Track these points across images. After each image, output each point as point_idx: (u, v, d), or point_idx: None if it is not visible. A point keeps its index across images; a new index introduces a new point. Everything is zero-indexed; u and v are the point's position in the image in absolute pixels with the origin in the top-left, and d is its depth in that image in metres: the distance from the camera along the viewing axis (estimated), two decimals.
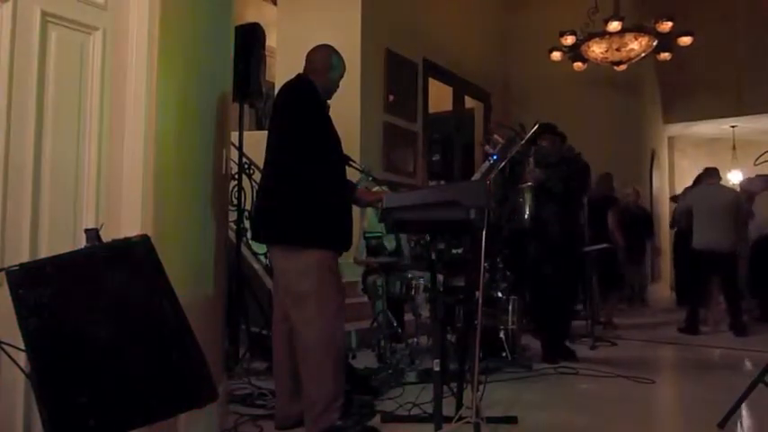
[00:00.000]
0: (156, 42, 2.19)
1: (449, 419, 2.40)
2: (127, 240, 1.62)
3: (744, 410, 2.71)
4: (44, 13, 1.95)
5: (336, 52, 2.88)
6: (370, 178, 3.49)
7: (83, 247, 1.65)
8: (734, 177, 10.88)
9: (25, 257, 1.83)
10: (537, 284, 4.64)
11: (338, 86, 2.90)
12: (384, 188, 3.28)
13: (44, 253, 1.88)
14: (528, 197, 4.39)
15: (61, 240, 1.93)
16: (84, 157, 2.06)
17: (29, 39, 1.92)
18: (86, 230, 1.66)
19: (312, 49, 2.87)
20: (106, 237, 1.66)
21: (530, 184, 4.40)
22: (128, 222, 2.09)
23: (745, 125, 10.63)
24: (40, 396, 1.44)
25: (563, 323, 4.59)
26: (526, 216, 4.41)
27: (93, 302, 1.50)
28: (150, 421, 1.58)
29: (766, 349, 3.17)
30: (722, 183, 7.40)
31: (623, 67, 7.06)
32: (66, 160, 2.02)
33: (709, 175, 6.23)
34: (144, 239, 1.62)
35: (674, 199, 8.34)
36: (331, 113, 2.78)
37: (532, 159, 4.43)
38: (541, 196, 4.38)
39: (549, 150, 4.49)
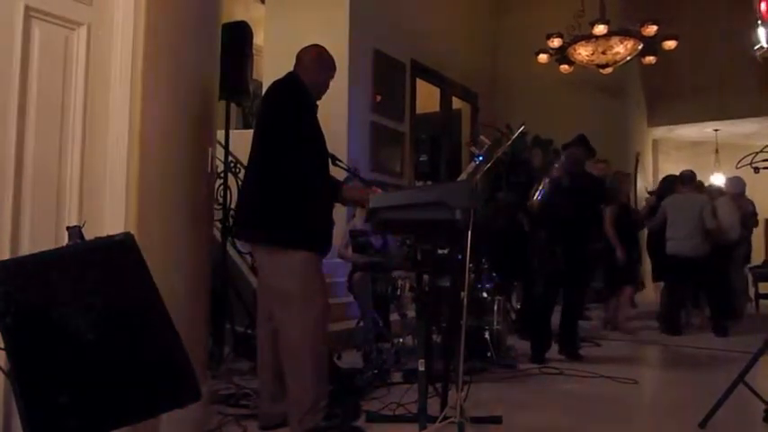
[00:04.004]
0: (142, 39, 2.18)
1: (433, 419, 2.40)
2: (110, 238, 1.61)
3: (724, 410, 2.74)
4: (27, 8, 1.93)
5: (327, 52, 2.87)
6: (357, 177, 3.48)
7: (65, 244, 1.64)
8: (716, 180, 11.03)
9: (6, 255, 1.81)
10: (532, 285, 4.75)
11: (327, 87, 2.89)
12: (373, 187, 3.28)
13: (25, 250, 1.86)
14: (545, 185, 4.57)
15: (43, 238, 1.91)
16: (67, 155, 2.04)
17: (11, 34, 1.90)
18: (69, 228, 1.65)
19: (302, 49, 2.86)
20: (89, 235, 1.64)
21: (548, 179, 4.57)
22: (111, 220, 2.08)
23: (728, 129, 10.78)
24: (19, 395, 1.42)
25: (571, 323, 4.66)
26: (537, 198, 4.58)
27: (74, 301, 1.48)
28: (132, 421, 1.56)
29: (746, 350, 3.22)
30: (705, 185, 7.49)
31: (609, 70, 7.13)
32: (48, 157, 1.99)
33: (684, 182, 6.27)
34: (127, 237, 1.61)
35: (652, 194, 8.19)
36: (319, 113, 2.78)
37: (563, 160, 4.68)
38: (559, 195, 4.54)
39: (581, 158, 4.74)
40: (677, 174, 6.52)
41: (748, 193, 7.14)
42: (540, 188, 4.59)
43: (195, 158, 2.71)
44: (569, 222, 4.51)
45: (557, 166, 4.65)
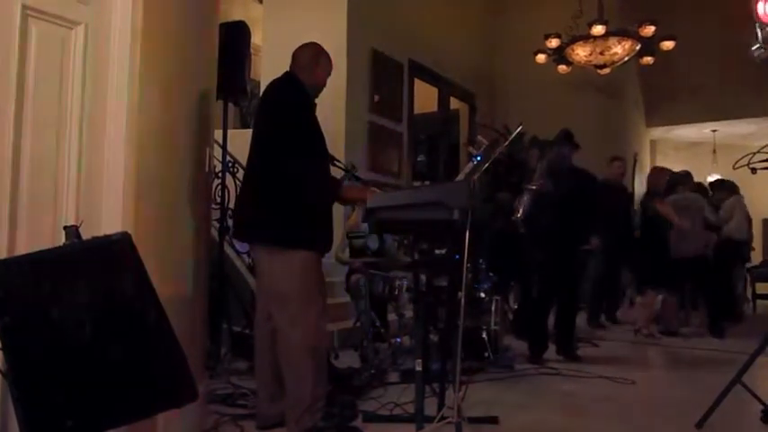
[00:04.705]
0: (140, 38, 2.17)
1: (430, 419, 2.40)
2: (107, 238, 1.61)
3: (722, 411, 2.75)
4: (24, 7, 1.92)
5: (323, 51, 2.86)
6: (353, 177, 3.48)
7: (62, 244, 1.63)
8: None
9: (3, 254, 1.81)
10: (529, 285, 4.73)
11: (325, 85, 2.89)
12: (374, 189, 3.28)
13: (22, 250, 1.86)
14: (527, 199, 4.45)
15: (40, 237, 1.91)
16: (64, 154, 2.04)
17: (8, 33, 1.89)
18: (66, 228, 1.64)
19: (299, 48, 2.86)
20: (86, 234, 1.64)
21: (534, 187, 4.45)
22: (108, 220, 2.07)
23: (725, 129, 10.80)
24: (16, 395, 1.41)
25: (566, 324, 4.64)
26: (519, 215, 4.46)
27: (71, 300, 1.48)
28: (129, 421, 1.56)
29: (743, 350, 3.22)
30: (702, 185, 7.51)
31: (607, 70, 7.13)
32: (45, 157, 1.99)
33: (683, 182, 6.30)
34: (124, 237, 1.61)
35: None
36: (317, 113, 2.78)
37: (545, 165, 4.52)
38: (544, 201, 4.44)
39: (567, 157, 4.58)
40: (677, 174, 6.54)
41: (746, 194, 7.17)
42: (525, 200, 4.45)
43: (193, 158, 2.70)
44: (556, 232, 4.47)
45: (538, 174, 4.51)
